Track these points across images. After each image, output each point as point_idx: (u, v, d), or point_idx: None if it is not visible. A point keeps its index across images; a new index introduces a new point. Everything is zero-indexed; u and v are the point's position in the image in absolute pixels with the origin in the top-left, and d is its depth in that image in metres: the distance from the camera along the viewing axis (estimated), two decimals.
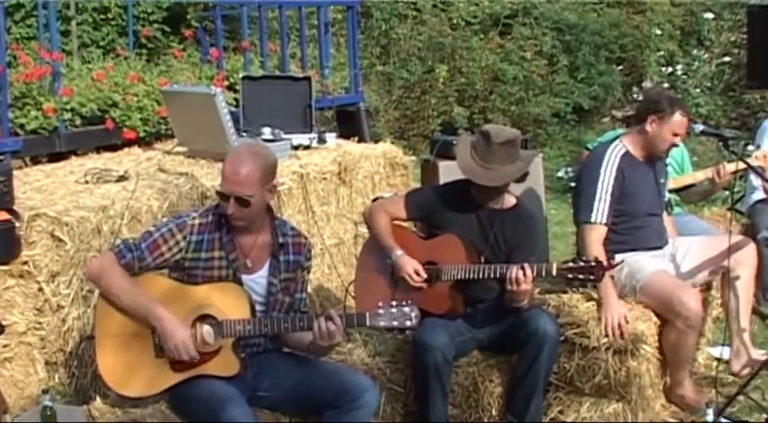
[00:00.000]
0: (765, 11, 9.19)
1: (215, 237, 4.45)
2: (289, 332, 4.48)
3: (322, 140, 7.09)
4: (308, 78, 7.53)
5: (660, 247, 5.82)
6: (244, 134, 6.76)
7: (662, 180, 5.92)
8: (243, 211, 4.38)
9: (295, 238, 4.65)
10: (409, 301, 4.41)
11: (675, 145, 5.75)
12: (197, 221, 4.46)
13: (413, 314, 4.36)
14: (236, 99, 7.51)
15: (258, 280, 4.54)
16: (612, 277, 5.49)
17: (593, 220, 5.54)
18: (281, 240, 4.56)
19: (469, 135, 6.04)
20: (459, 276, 5.13)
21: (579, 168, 5.98)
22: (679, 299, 5.36)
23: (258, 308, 4.49)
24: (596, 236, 5.52)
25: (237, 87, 7.43)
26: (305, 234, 4.82)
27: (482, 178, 5.20)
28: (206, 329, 4.36)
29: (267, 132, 6.81)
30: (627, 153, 5.67)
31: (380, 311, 4.37)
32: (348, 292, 5.93)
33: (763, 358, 5.67)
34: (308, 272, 4.77)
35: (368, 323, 4.40)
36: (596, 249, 5.39)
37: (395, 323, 4.36)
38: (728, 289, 5.82)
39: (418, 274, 5.22)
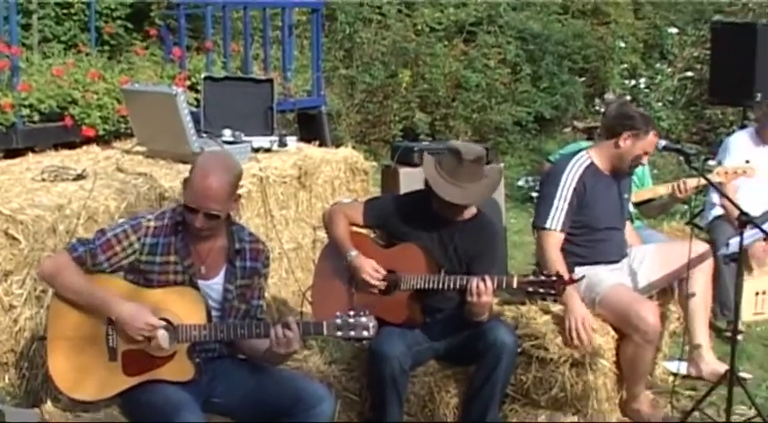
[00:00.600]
0: (728, 27, 9.27)
1: (170, 241, 4.40)
2: (245, 339, 4.42)
3: (283, 144, 7.04)
4: (270, 80, 7.49)
5: (619, 261, 5.82)
6: (204, 135, 6.69)
7: (626, 195, 5.93)
8: (210, 224, 4.34)
9: (252, 243, 4.60)
10: (367, 311, 4.37)
11: (642, 164, 5.76)
12: (152, 224, 4.41)
13: (370, 324, 4.32)
14: (197, 99, 7.44)
15: (214, 286, 4.49)
16: None
17: (548, 226, 5.56)
18: (237, 246, 4.51)
19: (429, 144, 6.03)
20: (418, 286, 5.10)
21: (542, 177, 5.97)
22: (637, 313, 5.36)
23: (214, 314, 4.44)
24: (552, 241, 5.54)
25: (199, 87, 7.36)
26: (263, 240, 4.76)
27: (454, 196, 5.15)
28: (161, 334, 4.30)
29: (228, 134, 6.75)
30: (591, 164, 5.67)
31: (338, 321, 4.32)
32: (305, 297, 5.87)
33: (723, 368, 5.68)
34: (266, 278, 4.71)
35: (325, 332, 4.36)
36: (553, 254, 5.43)
37: (352, 333, 4.32)
38: (685, 301, 5.83)
39: (377, 271, 5.19)
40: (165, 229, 4.41)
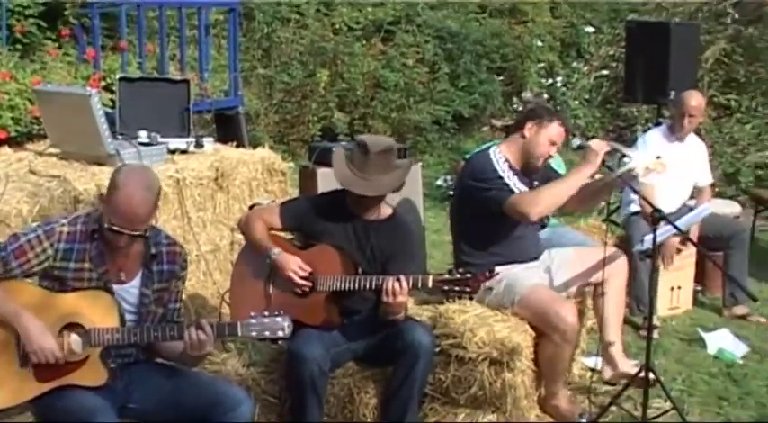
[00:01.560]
0: (643, 26, 9.38)
1: (85, 247, 4.33)
2: (159, 341, 4.38)
3: (199, 145, 6.97)
4: (186, 81, 7.41)
5: (536, 258, 5.85)
6: (119, 137, 6.62)
7: None
8: (134, 241, 4.31)
9: (170, 246, 4.55)
10: (282, 311, 4.36)
11: (550, 156, 5.77)
12: (66, 229, 4.33)
13: (285, 324, 4.32)
14: (112, 100, 7.34)
15: (130, 290, 4.43)
16: (491, 289, 5.54)
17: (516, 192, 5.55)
18: (153, 251, 4.45)
19: (347, 144, 6.02)
20: (334, 287, 5.09)
21: (468, 174, 5.85)
22: (556, 313, 5.40)
23: (130, 318, 4.39)
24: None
25: (114, 88, 7.26)
26: (180, 242, 4.71)
27: (360, 188, 5.18)
28: (73, 338, 4.24)
29: (143, 136, 6.68)
30: (506, 160, 5.68)
31: (252, 321, 4.31)
32: (224, 299, 5.85)
33: (634, 369, 5.75)
34: (183, 281, 4.67)
35: (239, 333, 4.33)
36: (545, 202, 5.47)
37: (267, 333, 4.31)
38: (600, 301, 5.88)
39: (302, 269, 5.18)
40: (80, 236, 4.33)
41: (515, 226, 5.69)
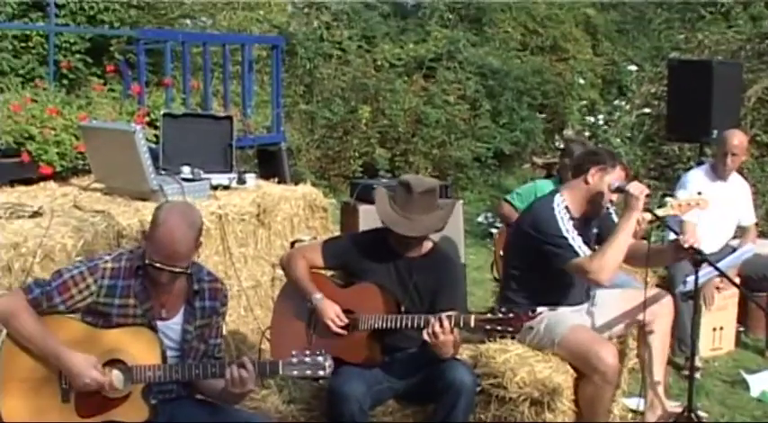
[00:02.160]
0: (685, 64, 9.36)
1: (130, 284, 4.35)
2: (200, 379, 4.39)
3: (242, 181, 7.01)
4: (229, 117, 7.46)
5: (581, 303, 5.82)
6: (163, 172, 6.67)
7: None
8: (176, 278, 4.34)
9: (211, 283, 4.56)
10: (323, 350, 4.36)
11: (612, 200, 5.73)
12: (110, 265, 4.36)
13: (326, 364, 4.31)
14: (156, 136, 7.40)
15: (173, 326, 4.45)
16: (532, 328, 5.51)
17: (581, 255, 5.49)
18: (196, 287, 4.47)
19: (388, 181, 6.02)
20: (376, 326, 5.09)
21: (529, 222, 5.74)
22: (597, 354, 5.36)
23: (172, 354, 4.40)
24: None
25: (158, 124, 7.32)
26: (221, 279, 4.73)
27: (404, 228, 5.19)
28: (115, 374, 4.26)
29: (186, 171, 6.72)
30: (568, 211, 5.65)
31: (293, 360, 4.31)
32: (264, 335, 5.85)
33: (677, 410, 5.69)
34: (224, 318, 4.69)
35: (281, 372, 4.33)
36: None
37: (308, 372, 4.31)
38: (644, 342, 5.84)
39: (340, 318, 5.18)
40: (124, 272, 4.36)
41: (568, 275, 5.65)
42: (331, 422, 5.05)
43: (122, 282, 4.34)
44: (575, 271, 5.45)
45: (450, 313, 4.90)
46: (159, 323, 4.40)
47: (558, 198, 5.68)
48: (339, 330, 5.19)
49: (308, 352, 4.33)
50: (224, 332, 5.01)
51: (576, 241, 5.49)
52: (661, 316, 5.79)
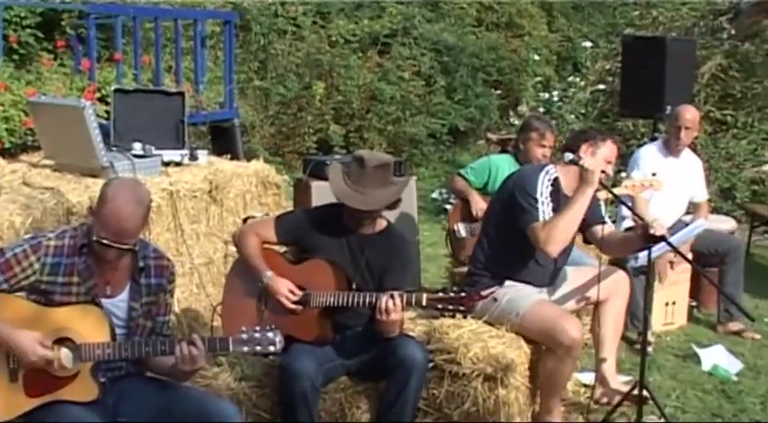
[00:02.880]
0: (639, 41, 9.37)
1: (73, 261, 4.30)
2: (150, 356, 4.36)
3: (194, 157, 6.95)
4: (181, 93, 7.38)
5: (543, 286, 5.83)
6: (114, 149, 6.60)
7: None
8: (122, 255, 4.31)
9: (157, 260, 4.53)
10: (273, 326, 4.34)
11: (607, 175, 5.69)
12: (53, 243, 4.30)
13: (276, 339, 4.30)
14: (107, 112, 7.31)
15: (118, 304, 4.41)
16: (496, 300, 5.55)
17: (541, 220, 5.47)
18: (141, 264, 4.43)
19: (342, 158, 6.00)
20: (328, 303, 5.07)
21: (512, 181, 5.77)
22: (562, 327, 5.36)
23: (120, 332, 4.36)
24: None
25: (109, 100, 7.23)
26: (168, 255, 4.69)
27: (356, 202, 5.17)
28: (64, 353, 4.21)
29: (138, 148, 6.64)
30: (557, 180, 5.64)
31: (243, 337, 4.29)
32: (216, 312, 5.82)
33: (625, 387, 5.73)
34: (171, 295, 4.64)
35: (231, 348, 4.31)
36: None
37: (258, 348, 4.29)
38: (598, 320, 5.86)
39: (293, 293, 5.15)
40: (68, 250, 4.31)
41: (535, 254, 5.65)
42: (282, 399, 5.04)
43: (66, 260, 4.29)
44: (530, 237, 5.45)
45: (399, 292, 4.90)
46: (104, 301, 4.35)
47: (550, 168, 5.71)
48: (293, 306, 5.16)
49: (258, 328, 4.32)
50: (176, 310, 4.99)
51: (544, 206, 5.49)
52: (617, 295, 5.83)
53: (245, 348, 4.29)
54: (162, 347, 4.28)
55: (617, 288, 5.81)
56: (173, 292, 4.65)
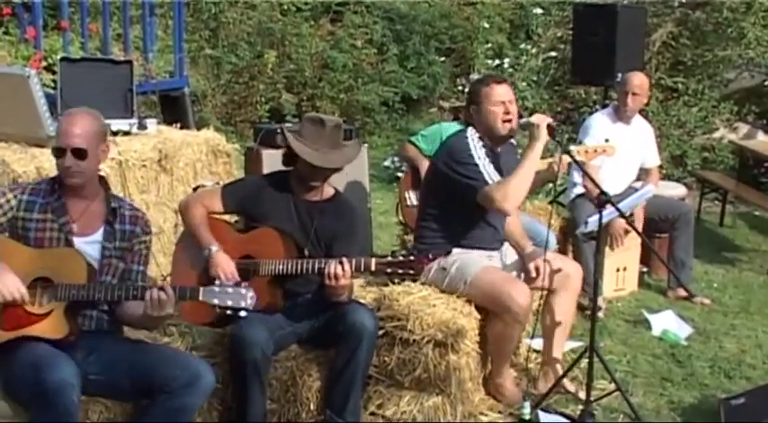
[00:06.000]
0: (590, 8, 9.38)
1: (48, 201, 4.50)
2: (122, 300, 4.44)
3: (142, 126, 6.89)
4: (129, 62, 7.29)
5: (494, 249, 5.83)
6: (60, 118, 6.51)
7: None
8: (79, 165, 4.43)
9: (132, 211, 4.73)
10: (247, 284, 4.39)
11: (509, 115, 5.65)
12: (30, 186, 4.58)
13: (248, 295, 4.31)
14: (54, 81, 7.22)
15: (93, 244, 4.55)
16: (445, 269, 5.54)
17: (489, 181, 5.45)
18: (114, 205, 4.60)
19: (294, 126, 5.97)
20: (276, 271, 5.05)
21: (444, 155, 5.72)
22: (509, 293, 5.37)
23: None
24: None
25: (56, 69, 7.14)
26: (143, 210, 4.86)
27: (322, 161, 5.15)
28: (39, 291, 4.35)
29: None
30: (481, 140, 5.63)
31: (216, 289, 4.33)
32: (165, 283, 5.79)
33: (572, 387, 5.87)
34: (147, 248, 4.77)
35: (200, 298, 4.34)
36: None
37: (229, 302, 4.30)
38: (547, 310, 5.89)
39: (233, 276, 5.10)
40: (44, 192, 4.52)
41: (485, 214, 5.63)
42: (234, 368, 5.02)
43: (42, 199, 4.51)
44: (483, 201, 5.43)
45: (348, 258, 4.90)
46: (77, 239, 4.53)
47: (470, 130, 5.66)
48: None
49: (231, 283, 4.44)
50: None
51: (486, 168, 5.48)
52: (566, 288, 5.82)
53: (216, 300, 4.32)
54: (134, 292, 4.40)
55: (566, 281, 5.80)
56: (148, 244, 4.79)
